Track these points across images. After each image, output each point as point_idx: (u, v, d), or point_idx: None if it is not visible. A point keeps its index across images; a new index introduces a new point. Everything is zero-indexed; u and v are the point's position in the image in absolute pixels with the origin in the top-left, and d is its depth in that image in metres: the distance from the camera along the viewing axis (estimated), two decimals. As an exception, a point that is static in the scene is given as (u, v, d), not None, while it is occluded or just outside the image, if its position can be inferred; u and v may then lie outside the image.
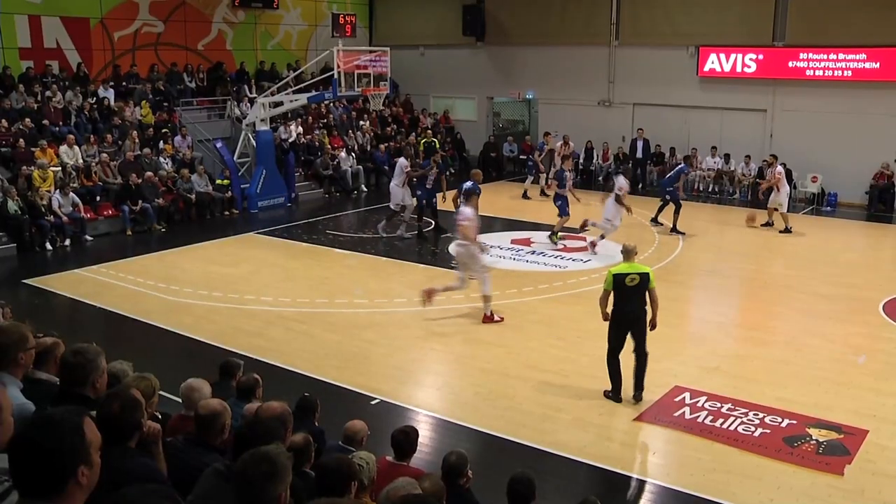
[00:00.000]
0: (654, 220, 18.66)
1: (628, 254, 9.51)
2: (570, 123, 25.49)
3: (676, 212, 18.30)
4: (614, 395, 9.45)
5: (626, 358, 9.46)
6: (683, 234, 17.97)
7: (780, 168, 19.00)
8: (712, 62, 23.41)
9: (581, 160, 25.55)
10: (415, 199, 18.03)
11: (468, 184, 14.76)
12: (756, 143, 22.98)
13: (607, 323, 9.46)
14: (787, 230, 18.25)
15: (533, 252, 16.47)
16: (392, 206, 18.09)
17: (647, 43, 24.37)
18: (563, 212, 16.97)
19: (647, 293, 9.27)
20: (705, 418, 8.95)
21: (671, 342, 11.42)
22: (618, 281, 9.24)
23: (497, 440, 8.55)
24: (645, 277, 9.29)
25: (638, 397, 9.37)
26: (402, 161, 18.18)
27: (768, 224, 18.68)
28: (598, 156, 25.39)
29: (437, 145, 23.60)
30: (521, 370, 10.36)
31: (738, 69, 23.04)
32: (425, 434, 8.80)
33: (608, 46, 25.24)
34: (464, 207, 12.62)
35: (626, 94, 25.20)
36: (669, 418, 9.01)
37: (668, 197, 18.60)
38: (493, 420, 8.99)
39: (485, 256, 12.85)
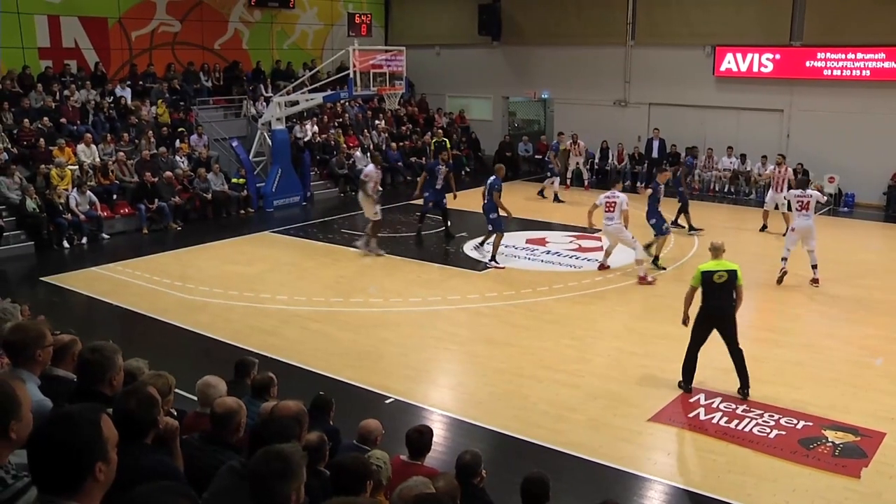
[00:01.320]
0: (675, 223, 18.31)
1: (716, 251, 9.74)
2: (585, 123, 25.46)
3: (684, 211, 18.33)
4: (686, 384, 9.67)
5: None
6: (700, 230, 17.92)
7: (790, 170, 18.69)
8: (729, 62, 23.30)
9: (597, 160, 25.51)
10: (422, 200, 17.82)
11: (491, 179, 15.54)
12: (773, 143, 22.82)
13: (689, 323, 9.76)
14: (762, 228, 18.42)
15: (548, 252, 16.44)
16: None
17: (663, 43, 24.28)
18: (659, 230, 15.47)
19: (734, 290, 9.51)
20: (720, 419, 8.92)
21: (686, 343, 11.37)
22: (706, 278, 9.43)
23: (511, 440, 8.55)
24: (733, 274, 9.50)
25: (745, 393, 9.47)
26: (369, 169, 16.64)
27: (764, 227, 18.67)
28: (613, 156, 25.32)
29: (448, 144, 23.58)
30: (535, 370, 10.36)
31: (755, 69, 22.93)
32: (439, 433, 8.80)
33: (624, 46, 25.17)
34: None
35: (641, 94, 25.12)
36: (684, 419, 8.98)
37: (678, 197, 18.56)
38: (507, 420, 8.99)
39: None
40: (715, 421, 8.89)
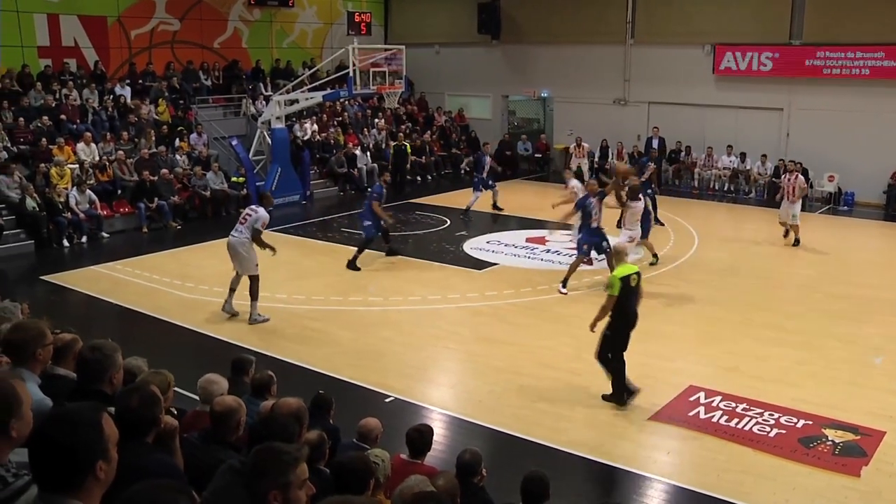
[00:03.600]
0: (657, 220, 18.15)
1: (621, 255, 9.55)
2: (585, 122, 25.49)
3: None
4: (629, 395, 9.33)
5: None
6: (662, 224, 18.13)
7: (800, 177, 17.37)
8: (728, 61, 23.30)
9: (596, 158, 25.52)
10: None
11: (374, 185, 15.70)
12: (772, 141, 22.87)
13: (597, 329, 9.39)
14: (798, 241, 16.93)
15: (548, 250, 16.45)
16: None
17: (663, 41, 24.28)
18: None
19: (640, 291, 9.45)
20: (720, 418, 8.92)
21: (686, 341, 11.42)
22: (625, 283, 9.23)
23: (510, 438, 8.56)
24: (639, 275, 9.44)
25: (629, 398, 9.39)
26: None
27: (787, 234, 17.21)
28: (612, 154, 25.31)
29: (409, 149, 23.54)
30: (534, 369, 10.36)
31: (755, 68, 22.92)
32: (439, 432, 8.80)
33: (623, 45, 25.17)
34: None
35: (641, 93, 25.12)
36: (684, 418, 8.98)
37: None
38: (506, 418, 8.99)
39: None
40: (715, 420, 8.89)
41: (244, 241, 12.09)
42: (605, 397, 9.35)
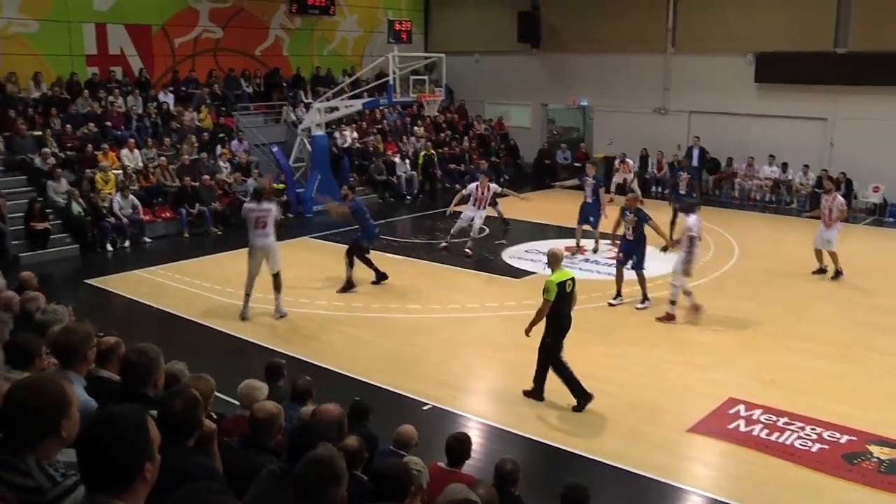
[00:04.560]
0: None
1: (558, 260, 9.53)
2: (625, 131, 25.40)
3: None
4: (586, 398, 9.41)
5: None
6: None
7: (839, 198, 15.62)
8: (770, 69, 22.99)
9: (636, 168, 25.36)
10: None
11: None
12: (815, 151, 22.55)
13: (557, 333, 9.52)
14: (839, 273, 15.22)
15: (586, 260, 16.38)
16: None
17: (704, 50, 24.07)
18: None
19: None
20: (760, 431, 8.81)
21: (725, 353, 11.30)
22: (561, 289, 9.28)
23: (546, 448, 8.53)
24: (574, 281, 9.53)
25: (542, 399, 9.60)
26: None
27: (822, 271, 15.47)
28: (652, 164, 25.15)
29: (436, 158, 23.56)
30: (572, 378, 10.30)
31: (798, 76, 22.53)
32: (475, 440, 8.78)
33: (664, 53, 25.03)
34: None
35: (682, 102, 24.95)
36: (723, 430, 8.88)
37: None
38: (543, 427, 8.97)
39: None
40: (755, 433, 8.78)
41: (274, 238, 12.61)
42: (525, 392, 9.68)
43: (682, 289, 12.50)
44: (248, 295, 12.69)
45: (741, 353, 11.32)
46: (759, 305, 13.49)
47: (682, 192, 17.18)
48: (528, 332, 9.51)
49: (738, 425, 8.97)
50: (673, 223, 17.25)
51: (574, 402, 9.38)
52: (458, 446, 5.94)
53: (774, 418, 9.08)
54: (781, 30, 22.54)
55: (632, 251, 13.50)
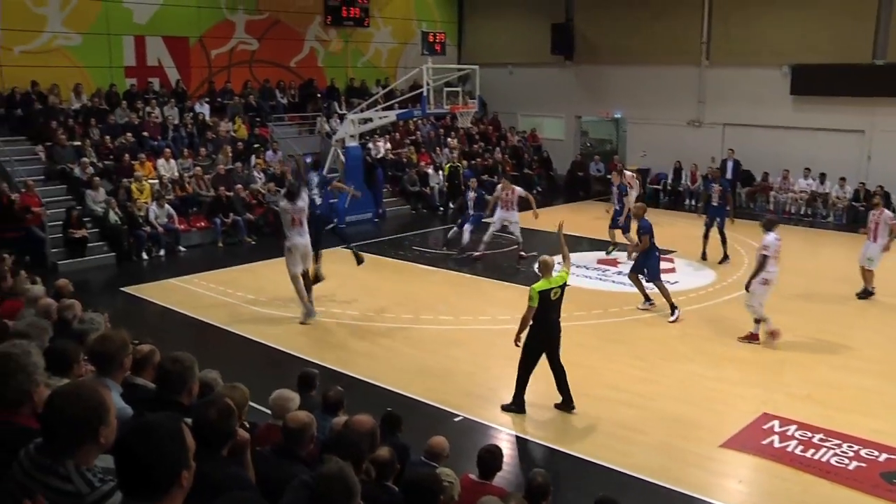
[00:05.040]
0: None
1: (547, 268, 9.45)
2: (658, 143, 25.31)
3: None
4: (519, 406, 9.55)
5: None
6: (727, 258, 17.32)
7: (886, 212, 15.01)
8: (807, 81, 22.75)
9: (669, 180, 25.26)
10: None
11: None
12: (852, 164, 22.27)
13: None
14: (867, 292, 14.72)
15: (619, 272, 16.28)
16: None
17: (739, 62, 23.92)
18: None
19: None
20: (795, 448, 8.69)
21: (760, 367, 11.19)
22: (544, 296, 9.23)
23: (577, 461, 8.48)
24: (563, 287, 9.47)
25: (570, 407, 9.60)
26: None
27: (867, 293, 14.72)
28: (686, 176, 24.99)
29: (461, 170, 23.59)
30: (603, 391, 10.26)
31: (835, 88, 22.24)
32: (506, 452, 8.78)
33: (698, 66, 24.90)
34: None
35: (716, 114, 24.79)
36: (757, 446, 8.78)
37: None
38: (574, 440, 8.93)
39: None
40: (790, 449, 8.67)
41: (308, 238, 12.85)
42: (503, 407, 9.67)
43: (755, 314, 12.10)
44: (302, 294, 12.92)
45: (775, 369, 11.20)
46: (794, 320, 13.31)
47: (715, 203, 17.03)
48: (516, 341, 9.46)
49: (773, 441, 8.87)
50: (706, 238, 17.11)
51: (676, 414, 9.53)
52: (490, 458, 5.94)
53: (810, 434, 8.96)
54: (818, 41, 22.33)
55: (641, 262, 13.64)
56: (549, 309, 9.34)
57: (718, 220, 16.96)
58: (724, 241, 17.02)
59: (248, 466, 4.28)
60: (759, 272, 12.01)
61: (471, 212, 18.13)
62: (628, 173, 20.44)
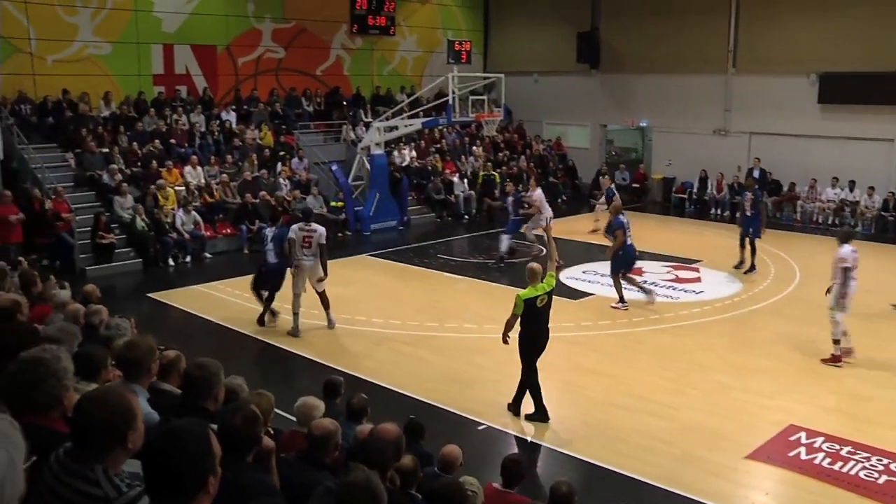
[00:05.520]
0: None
1: (535, 275, 9.45)
2: (684, 152, 25.24)
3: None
4: (541, 415, 9.58)
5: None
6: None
7: None
8: (834, 89, 22.54)
9: (695, 189, 25.13)
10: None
11: (276, 229, 13.77)
12: (880, 174, 22.03)
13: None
14: None
15: (644, 281, 16.17)
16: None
17: (766, 70, 23.77)
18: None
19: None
20: (822, 460, 8.59)
21: (786, 379, 11.08)
22: (529, 304, 9.27)
23: (602, 470, 8.44)
24: (551, 294, 9.51)
25: (516, 412, 9.68)
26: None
27: None
28: (711, 185, 24.84)
29: (497, 178, 23.58)
30: (628, 401, 10.21)
31: (863, 97, 22.04)
32: (529, 461, 8.76)
33: (725, 74, 24.77)
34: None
35: (742, 123, 24.63)
36: (783, 458, 8.69)
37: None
38: (598, 450, 8.88)
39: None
40: (817, 461, 8.57)
41: (315, 261, 12.72)
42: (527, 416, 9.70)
43: (838, 334, 11.66)
44: (296, 314, 12.83)
45: (802, 380, 11.08)
46: (821, 331, 13.15)
47: (749, 213, 16.89)
48: (504, 339, 9.63)
49: (799, 453, 8.77)
50: (742, 247, 16.96)
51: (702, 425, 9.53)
52: (514, 467, 5.92)
53: (837, 447, 8.85)
54: (846, 50, 22.12)
55: (617, 261, 14.29)
56: (537, 316, 9.40)
57: (752, 229, 16.82)
58: (753, 252, 16.88)
59: (273, 472, 4.30)
60: (843, 286, 11.64)
61: (513, 216, 17.98)
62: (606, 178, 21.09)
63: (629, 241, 14.24)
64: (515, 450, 8.72)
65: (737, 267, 16.99)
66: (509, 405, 9.77)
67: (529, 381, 9.60)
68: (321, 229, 12.90)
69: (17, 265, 13.56)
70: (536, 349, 9.57)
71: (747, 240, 16.84)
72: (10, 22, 19.70)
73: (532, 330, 9.45)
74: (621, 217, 14.37)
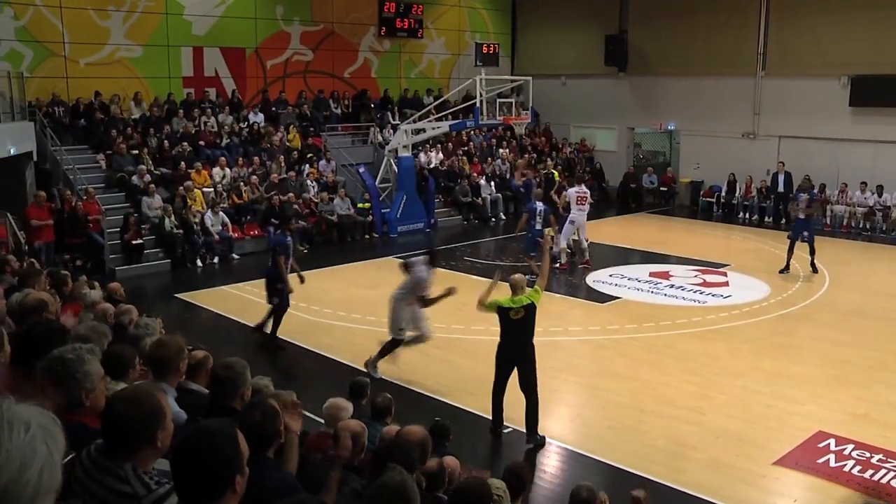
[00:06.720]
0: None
1: (515, 287, 9.29)
2: (712, 155, 25.06)
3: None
4: (495, 426, 9.35)
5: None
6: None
7: None
8: (866, 92, 22.29)
9: (723, 193, 24.95)
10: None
11: (275, 236, 13.33)
12: (913, 178, 21.77)
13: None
14: None
15: (672, 285, 16.11)
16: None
17: (796, 73, 23.55)
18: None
19: (533, 325, 9.24)
20: (852, 468, 8.48)
21: (815, 384, 10.97)
22: (502, 313, 9.14)
23: (628, 475, 8.39)
24: (530, 309, 9.15)
25: (530, 441, 9.08)
26: (418, 273, 11.65)
27: None
28: (740, 189, 24.64)
29: (556, 176, 23.49)
30: (655, 405, 10.15)
31: (895, 99, 21.81)
32: (555, 465, 8.77)
33: (754, 77, 24.57)
34: None
35: (771, 127, 24.41)
36: (812, 465, 8.60)
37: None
38: (624, 455, 8.83)
39: None
40: (847, 469, 8.47)
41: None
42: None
43: None
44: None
45: (831, 386, 10.96)
46: (851, 337, 13.05)
47: (801, 217, 16.72)
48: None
49: (828, 460, 8.67)
50: (791, 251, 16.88)
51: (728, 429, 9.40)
52: (512, 479, 5.85)
53: (868, 454, 8.75)
54: (878, 52, 21.85)
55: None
56: (509, 327, 9.19)
57: (806, 233, 16.68)
58: (812, 252, 16.74)
59: (291, 465, 4.27)
60: None
61: (538, 226, 16.73)
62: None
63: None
64: (539, 454, 8.72)
65: (783, 271, 16.79)
66: (527, 438, 9.24)
67: (493, 391, 9.37)
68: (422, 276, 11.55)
69: (56, 264, 13.77)
70: (504, 358, 9.31)
71: (797, 243, 16.67)
72: (45, 26, 19.99)
73: (503, 338, 9.30)
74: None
